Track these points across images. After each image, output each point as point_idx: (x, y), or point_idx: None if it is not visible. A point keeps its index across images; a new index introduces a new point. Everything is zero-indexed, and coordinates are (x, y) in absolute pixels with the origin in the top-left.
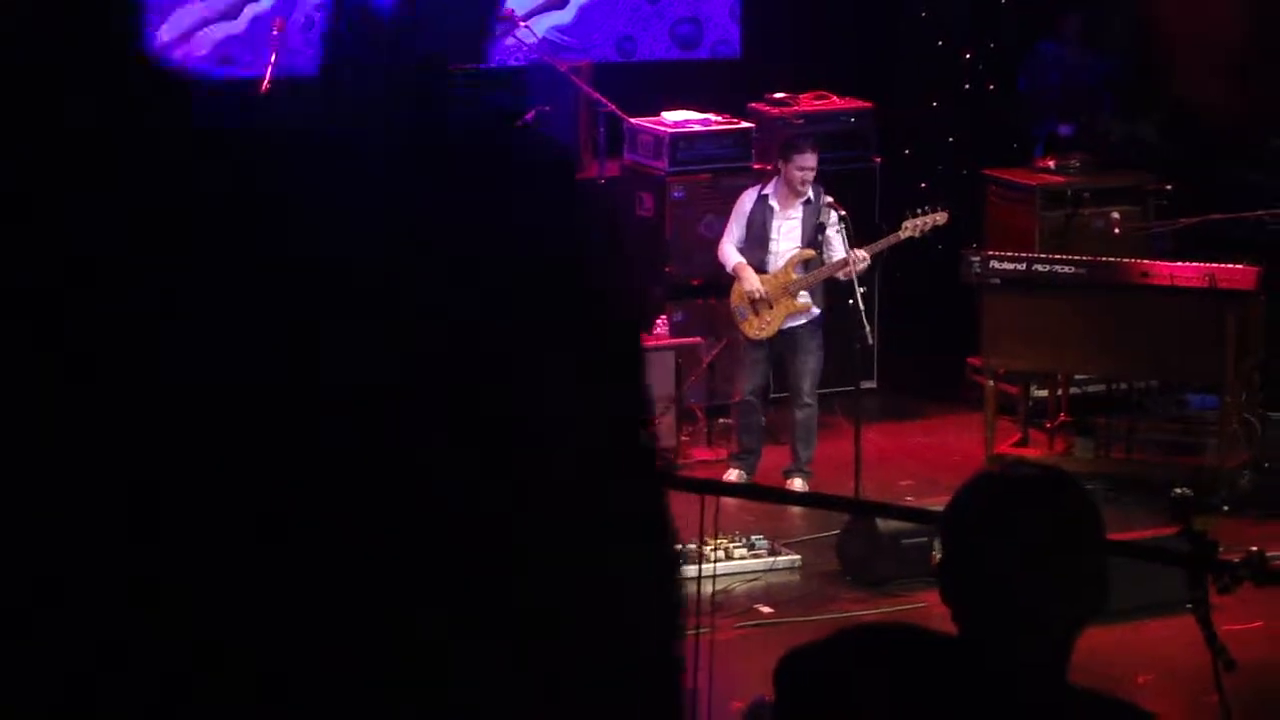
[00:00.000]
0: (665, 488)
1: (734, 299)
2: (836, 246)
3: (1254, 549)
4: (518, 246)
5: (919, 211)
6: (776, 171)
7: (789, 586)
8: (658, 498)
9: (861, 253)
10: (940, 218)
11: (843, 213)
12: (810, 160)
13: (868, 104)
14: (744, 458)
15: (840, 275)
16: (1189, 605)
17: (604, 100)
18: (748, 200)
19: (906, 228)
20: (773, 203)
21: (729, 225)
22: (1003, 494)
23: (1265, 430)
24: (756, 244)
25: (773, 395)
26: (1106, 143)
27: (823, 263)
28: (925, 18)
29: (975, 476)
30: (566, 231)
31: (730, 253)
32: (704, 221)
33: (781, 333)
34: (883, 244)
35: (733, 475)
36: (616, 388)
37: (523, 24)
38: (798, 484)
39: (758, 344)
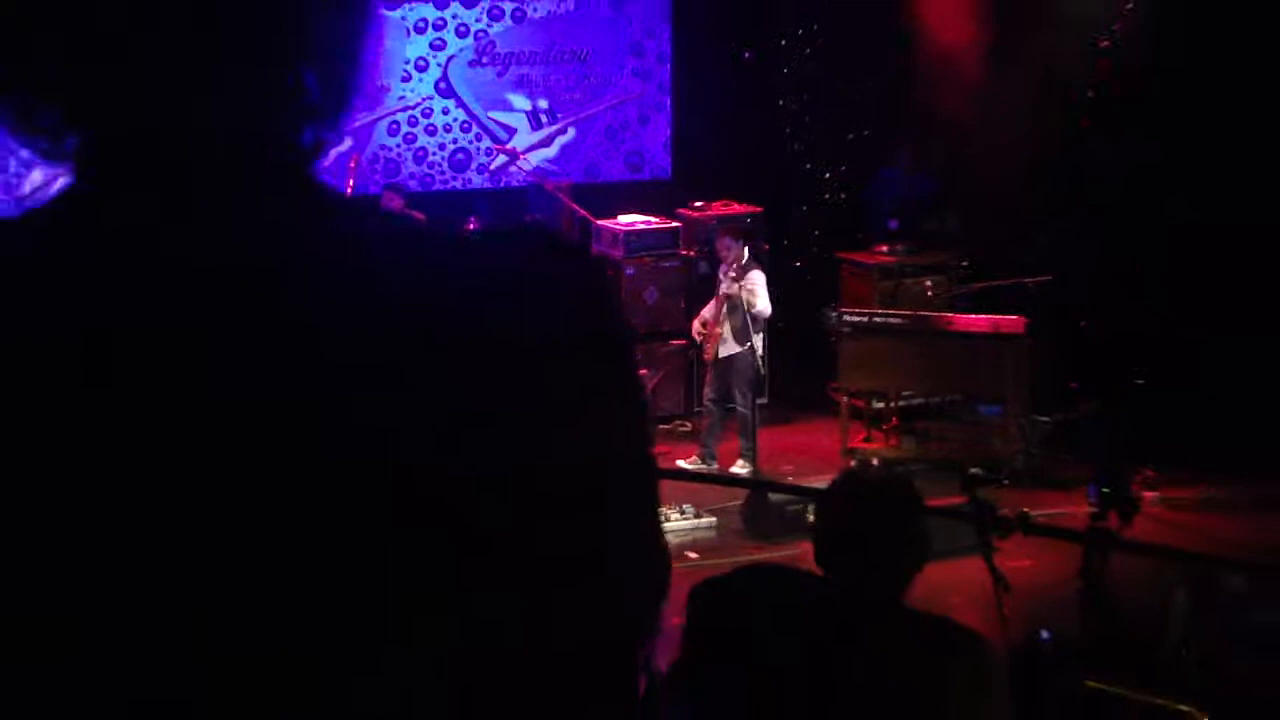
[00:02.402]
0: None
1: (693, 332)
2: (745, 299)
3: (1021, 510)
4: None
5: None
6: None
7: (708, 539)
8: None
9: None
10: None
11: (742, 282)
12: (720, 243)
13: (759, 208)
14: (703, 452)
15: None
16: (978, 548)
17: (579, 209)
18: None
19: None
20: (717, 274)
21: None
22: (857, 490)
23: (1032, 429)
24: (711, 300)
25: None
26: (923, 233)
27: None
28: (799, 150)
29: (840, 476)
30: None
31: None
32: (647, 291)
33: (724, 359)
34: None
35: (688, 462)
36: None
37: (522, 157)
38: (739, 464)
39: (711, 364)
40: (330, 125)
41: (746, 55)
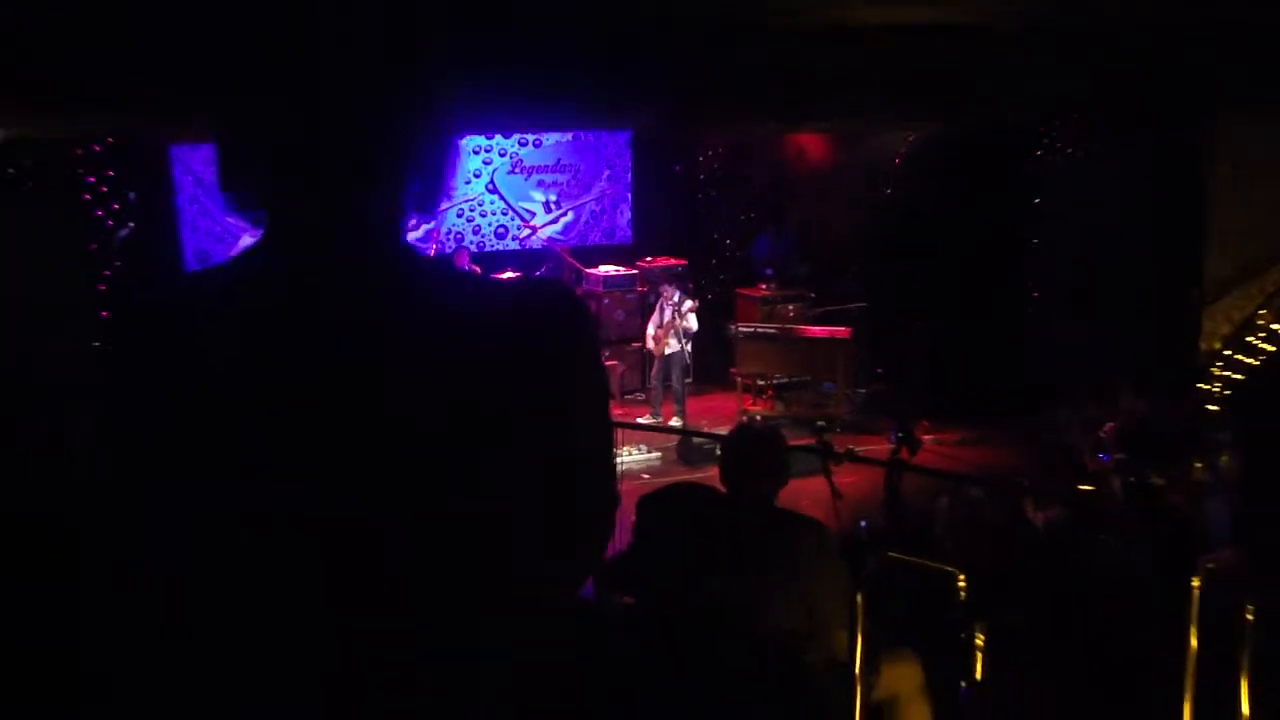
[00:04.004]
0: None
1: (647, 341)
2: (684, 322)
3: (849, 447)
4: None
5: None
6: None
7: (655, 466)
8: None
9: (680, 322)
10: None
11: (682, 310)
12: (665, 290)
13: (685, 261)
14: (652, 412)
15: (682, 330)
16: (821, 471)
17: (575, 263)
18: (662, 300)
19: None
20: (661, 303)
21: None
22: (747, 435)
23: (854, 398)
24: (656, 323)
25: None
26: (786, 276)
27: (677, 328)
28: (710, 224)
29: (736, 426)
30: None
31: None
32: (616, 313)
33: (667, 355)
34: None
35: (643, 419)
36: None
37: (539, 230)
38: (674, 419)
39: (658, 359)
40: (429, 213)
41: (677, 168)
